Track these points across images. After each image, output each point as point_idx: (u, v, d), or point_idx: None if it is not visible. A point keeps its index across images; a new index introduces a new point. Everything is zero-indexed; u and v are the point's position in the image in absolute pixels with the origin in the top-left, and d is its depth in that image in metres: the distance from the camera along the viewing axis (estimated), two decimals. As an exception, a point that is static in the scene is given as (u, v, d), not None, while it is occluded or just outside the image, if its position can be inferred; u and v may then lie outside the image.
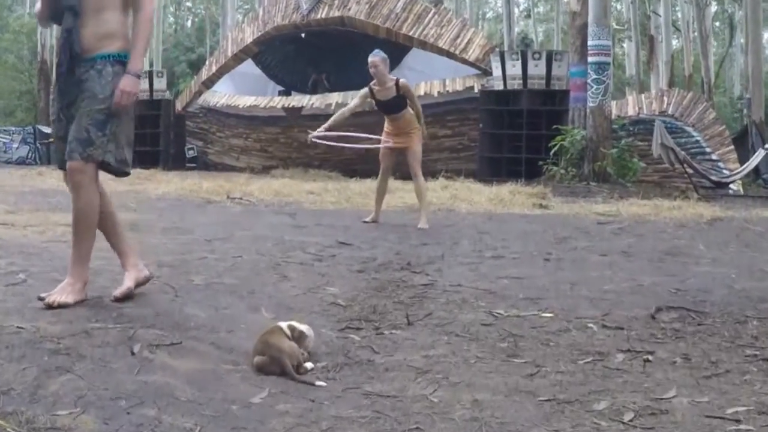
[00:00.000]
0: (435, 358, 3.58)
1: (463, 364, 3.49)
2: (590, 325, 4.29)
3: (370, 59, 8.97)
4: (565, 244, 7.53)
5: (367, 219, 9.19)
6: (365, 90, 9.20)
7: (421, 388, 3.14)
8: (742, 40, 45.47)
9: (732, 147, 18.60)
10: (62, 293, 4.11)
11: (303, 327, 3.58)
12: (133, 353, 3.43)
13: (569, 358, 3.63)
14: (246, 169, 20.26)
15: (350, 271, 5.83)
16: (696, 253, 7.18)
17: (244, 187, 13.67)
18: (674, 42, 37.85)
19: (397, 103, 8.98)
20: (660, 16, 36.08)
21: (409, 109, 9.05)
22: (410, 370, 3.40)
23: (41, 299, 4.09)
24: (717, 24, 46.70)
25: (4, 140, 27.64)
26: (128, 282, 4.32)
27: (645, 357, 3.69)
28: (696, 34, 42.61)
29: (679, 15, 40.23)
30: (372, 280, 5.48)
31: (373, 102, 9.28)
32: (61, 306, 4.01)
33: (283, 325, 3.56)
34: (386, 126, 9.24)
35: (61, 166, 4.28)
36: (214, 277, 5.21)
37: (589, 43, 16.57)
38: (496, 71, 18.46)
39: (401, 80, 8.98)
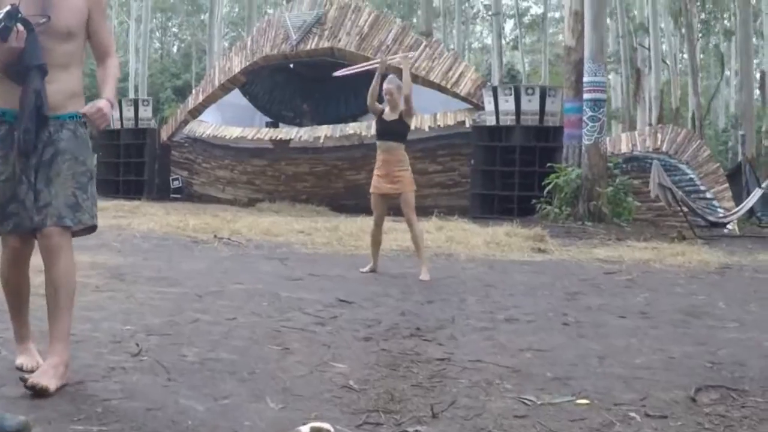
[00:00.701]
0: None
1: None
2: (632, 414, 3.83)
3: (385, 86, 8.59)
4: (577, 302, 7.11)
5: (365, 269, 8.72)
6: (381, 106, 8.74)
7: None
8: (727, 72, 45.74)
9: (727, 185, 18.44)
10: (44, 376, 3.64)
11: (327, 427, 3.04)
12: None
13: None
14: (232, 201, 19.80)
15: (356, 338, 5.35)
16: (718, 313, 6.79)
17: (232, 225, 13.21)
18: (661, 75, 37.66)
19: (396, 128, 8.60)
20: (646, 48, 36.02)
21: (403, 148, 8.70)
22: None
23: (24, 381, 3.62)
24: (702, 56, 46.69)
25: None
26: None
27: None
28: (684, 67, 42.70)
29: (665, 48, 40.17)
30: (381, 352, 4.99)
31: (376, 121, 8.89)
32: (43, 392, 3.54)
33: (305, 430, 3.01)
34: (378, 164, 8.75)
35: (14, 231, 3.86)
36: (209, 350, 4.72)
37: (585, 80, 16.33)
38: (489, 106, 18.18)
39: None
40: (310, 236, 12.04)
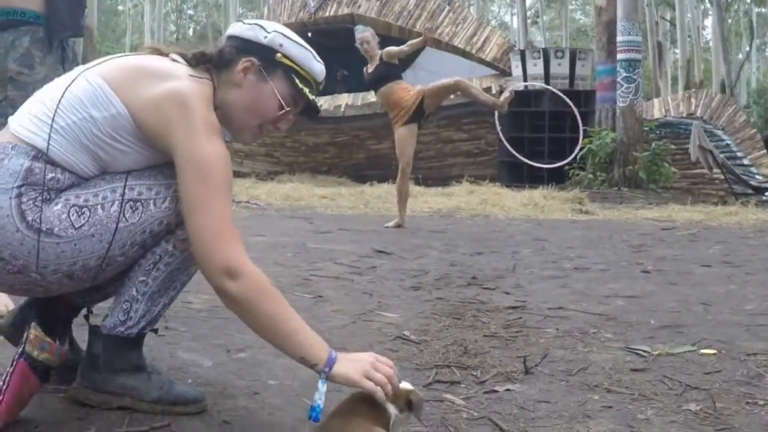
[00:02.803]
0: (607, 437, 2.17)
1: (664, 452, 2.09)
2: (776, 366, 2.90)
3: (358, 35, 7.87)
4: (647, 253, 6.16)
5: (390, 224, 7.82)
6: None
7: None
8: (747, 48, 44.57)
9: (764, 151, 17.55)
10: None
11: (409, 387, 1.96)
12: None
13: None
14: (250, 175, 18.88)
15: (402, 288, 4.41)
16: (813, 261, 5.83)
17: (251, 191, 12.30)
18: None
19: (380, 73, 7.81)
20: (668, 21, 34.94)
21: (401, 83, 7.83)
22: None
23: None
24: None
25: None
26: None
27: None
28: (705, 43, 41.61)
29: (687, 21, 39.07)
30: (437, 300, 4.05)
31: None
32: None
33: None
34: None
35: None
36: (218, 301, 3.81)
37: (619, 39, 15.37)
38: (516, 71, 17.24)
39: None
40: (334, 201, 11.14)
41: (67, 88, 2.03)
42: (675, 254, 6.10)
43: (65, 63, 3.64)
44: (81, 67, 2.10)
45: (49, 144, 1.99)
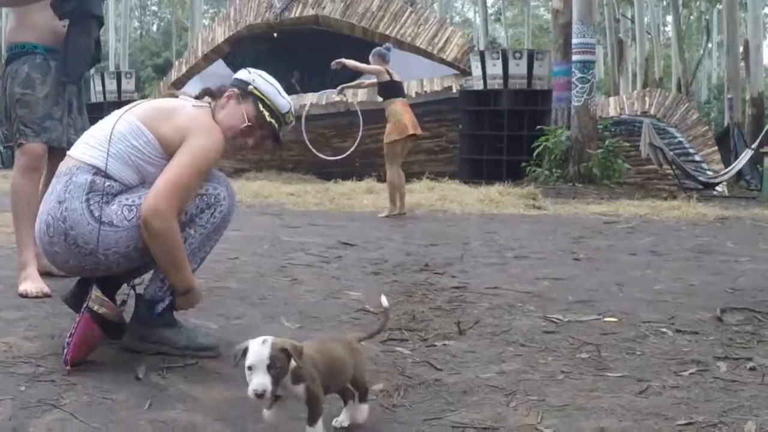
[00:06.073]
0: (513, 375, 2.91)
1: (552, 382, 2.83)
2: (663, 329, 3.67)
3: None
4: (584, 244, 6.94)
5: (383, 214, 9.19)
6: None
7: (522, 415, 2.45)
8: (710, 45, 45.69)
9: (716, 148, 18.25)
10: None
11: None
12: (138, 378, 2.75)
13: (669, 370, 3.00)
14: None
15: (365, 273, 5.16)
16: (728, 250, 6.65)
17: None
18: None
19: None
20: (629, 19, 35.84)
21: (394, 102, 9.22)
22: (493, 391, 2.71)
23: None
24: (683, 28, 46.60)
25: (-36, 144, 26.74)
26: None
27: (750, 365, 3.08)
28: (666, 39, 42.59)
29: (647, 20, 39.99)
30: (393, 283, 4.81)
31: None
32: None
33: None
34: None
35: (48, 143, 4.27)
36: (216, 281, 4.54)
37: (574, 41, 16.09)
38: (476, 71, 17.90)
39: None
40: (301, 198, 11.82)
41: (113, 127, 2.96)
42: (609, 245, 6.89)
43: (81, 93, 4.48)
44: (119, 111, 3.06)
45: (107, 164, 2.88)
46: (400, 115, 9.03)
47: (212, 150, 2.94)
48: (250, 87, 3.12)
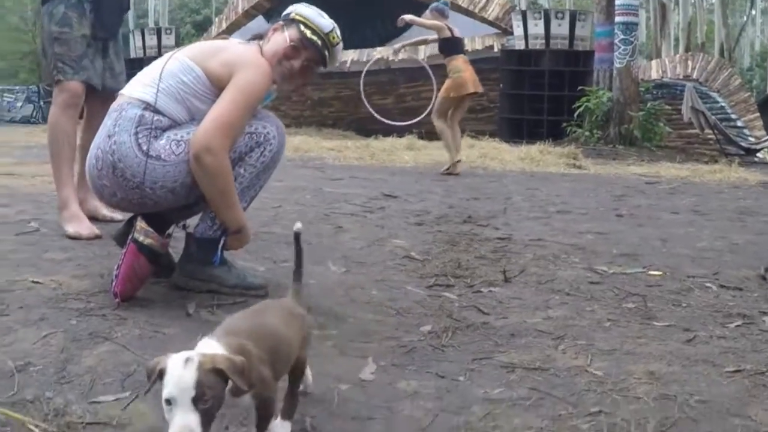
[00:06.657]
0: (560, 321, 2.93)
1: (599, 328, 2.84)
2: (708, 284, 3.67)
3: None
4: (625, 201, 6.92)
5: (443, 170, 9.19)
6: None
7: (571, 358, 2.48)
8: (753, 12, 44.91)
9: (758, 114, 17.95)
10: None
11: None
12: (188, 314, 2.81)
13: (715, 322, 3.01)
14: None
15: (408, 223, 5.19)
16: (772, 213, 6.59)
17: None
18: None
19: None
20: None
21: (455, 59, 9.26)
22: (541, 336, 2.73)
23: None
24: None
25: (8, 99, 27.16)
26: None
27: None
28: (709, 5, 41.90)
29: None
30: (438, 233, 4.84)
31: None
32: None
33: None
34: None
35: (86, 81, 4.36)
36: (261, 227, 4.58)
37: (617, 2, 15.89)
38: (518, 30, 17.76)
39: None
40: (342, 153, 11.84)
41: (164, 65, 3.00)
42: (650, 203, 6.86)
43: (116, 38, 4.63)
44: (171, 52, 3.13)
45: (156, 99, 2.90)
46: (462, 72, 9.05)
47: (260, 83, 2.97)
48: (292, 15, 3.19)
